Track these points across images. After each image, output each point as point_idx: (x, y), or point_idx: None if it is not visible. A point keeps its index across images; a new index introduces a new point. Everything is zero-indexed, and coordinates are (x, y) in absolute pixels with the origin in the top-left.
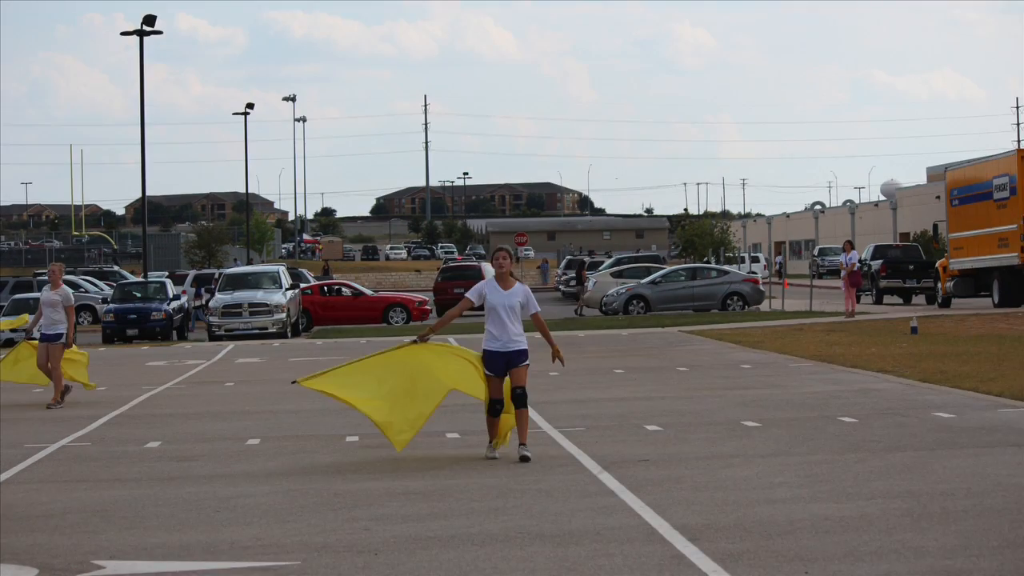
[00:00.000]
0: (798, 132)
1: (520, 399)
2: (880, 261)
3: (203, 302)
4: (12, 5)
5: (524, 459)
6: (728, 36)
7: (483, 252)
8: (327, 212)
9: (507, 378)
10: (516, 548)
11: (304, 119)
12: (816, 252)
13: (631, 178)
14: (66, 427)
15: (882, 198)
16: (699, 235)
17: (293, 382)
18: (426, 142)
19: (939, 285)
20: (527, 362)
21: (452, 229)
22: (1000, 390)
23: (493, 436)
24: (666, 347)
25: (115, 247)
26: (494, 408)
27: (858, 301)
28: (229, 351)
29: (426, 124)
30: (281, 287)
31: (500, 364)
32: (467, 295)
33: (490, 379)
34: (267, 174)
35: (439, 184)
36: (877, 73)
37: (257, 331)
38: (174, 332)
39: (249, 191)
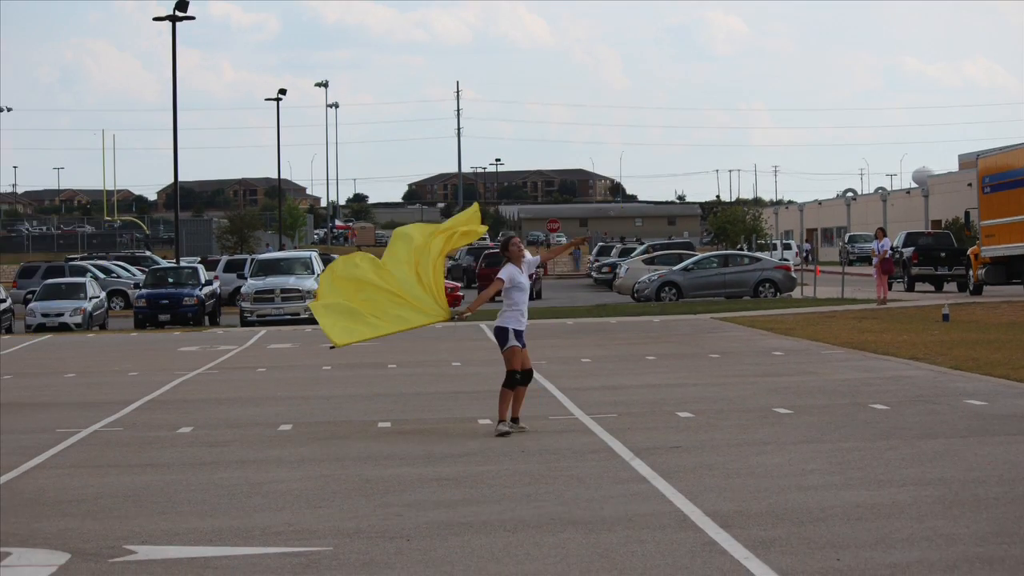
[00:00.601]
0: (830, 119)
1: (530, 378)
2: (912, 248)
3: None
4: None
5: (507, 433)
6: (761, 23)
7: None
8: (359, 198)
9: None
10: (548, 534)
11: (336, 105)
12: (846, 239)
13: (663, 165)
14: (98, 412)
15: (914, 185)
16: (731, 222)
17: (331, 347)
18: (458, 128)
19: (971, 272)
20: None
21: (484, 215)
22: None
23: (507, 409)
24: (698, 334)
25: (147, 232)
26: (515, 380)
27: (890, 288)
28: (261, 337)
29: (458, 110)
30: (313, 273)
31: (507, 341)
32: (500, 276)
33: (517, 352)
34: (299, 160)
35: (471, 170)
36: (909, 60)
37: (289, 317)
38: (206, 317)
39: (281, 177)
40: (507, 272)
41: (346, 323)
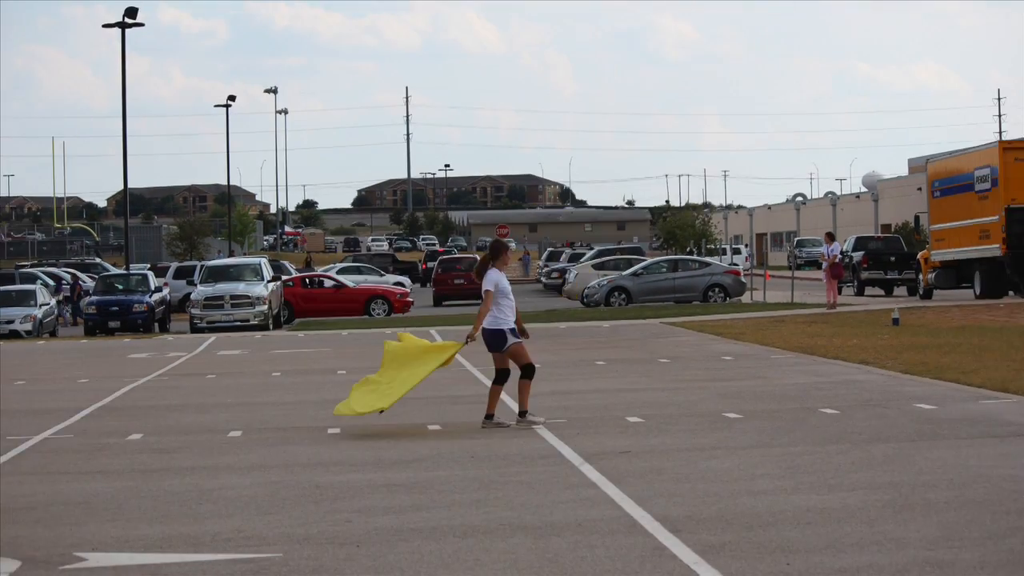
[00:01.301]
0: (780, 124)
1: (533, 371)
2: (862, 253)
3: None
4: None
5: (518, 422)
6: (711, 28)
7: (464, 244)
8: (309, 204)
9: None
10: (498, 540)
11: (286, 111)
12: (794, 243)
13: (613, 170)
14: (48, 419)
15: (864, 190)
16: (680, 227)
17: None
18: (407, 134)
19: (920, 277)
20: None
21: (434, 221)
22: (981, 381)
23: (495, 406)
24: (648, 339)
25: (97, 239)
26: (504, 377)
27: (840, 293)
28: (211, 343)
29: (407, 116)
30: (263, 279)
31: (504, 342)
32: (489, 289)
33: (503, 353)
34: (249, 166)
35: (421, 176)
36: (859, 65)
37: (239, 323)
38: (156, 324)
39: (231, 183)
40: (492, 282)
41: (373, 393)
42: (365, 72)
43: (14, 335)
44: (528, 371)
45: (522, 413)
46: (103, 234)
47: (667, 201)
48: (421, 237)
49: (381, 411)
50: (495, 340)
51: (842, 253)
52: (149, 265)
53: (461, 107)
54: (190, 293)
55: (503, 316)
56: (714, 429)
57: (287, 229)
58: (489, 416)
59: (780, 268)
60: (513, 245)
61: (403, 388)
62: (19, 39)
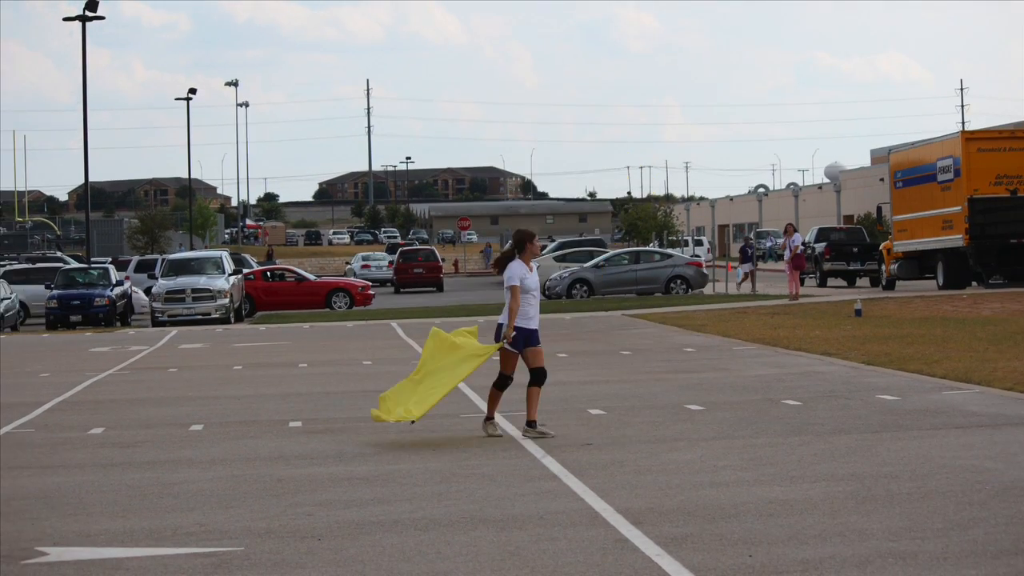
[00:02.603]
0: (742, 115)
1: (543, 378)
2: (824, 244)
3: None
4: None
5: (527, 433)
6: (672, 19)
7: (426, 236)
8: (270, 197)
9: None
10: (459, 533)
11: (247, 104)
12: (752, 235)
13: (574, 162)
14: (9, 413)
15: (826, 181)
16: (642, 219)
17: (413, 421)
18: (368, 126)
19: (883, 267)
20: (540, 343)
21: (395, 214)
22: (944, 372)
23: (494, 410)
24: (609, 331)
25: (58, 233)
26: (504, 383)
27: (802, 284)
28: (172, 337)
29: (368, 108)
30: (224, 272)
31: (520, 341)
32: (514, 283)
33: (510, 355)
34: (210, 159)
35: (382, 169)
36: (822, 55)
37: (200, 317)
38: (117, 318)
39: (192, 176)
40: (517, 276)
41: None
42: (327, 64)
43: None
44: (538, 376)
45: (530, 423)
46: (64, 228)
47: (629, 193)
48: (383, 230)
49: (413, 422)
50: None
51: (804, 244)
52: (110, 259)
53: (423, 99)
54: (151, 287)
55: (521, 313)
56: (676, 421)
57: (248, 222)
58: (489, 419)
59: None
60: (474, 238)
61: (437, 394)
62: None
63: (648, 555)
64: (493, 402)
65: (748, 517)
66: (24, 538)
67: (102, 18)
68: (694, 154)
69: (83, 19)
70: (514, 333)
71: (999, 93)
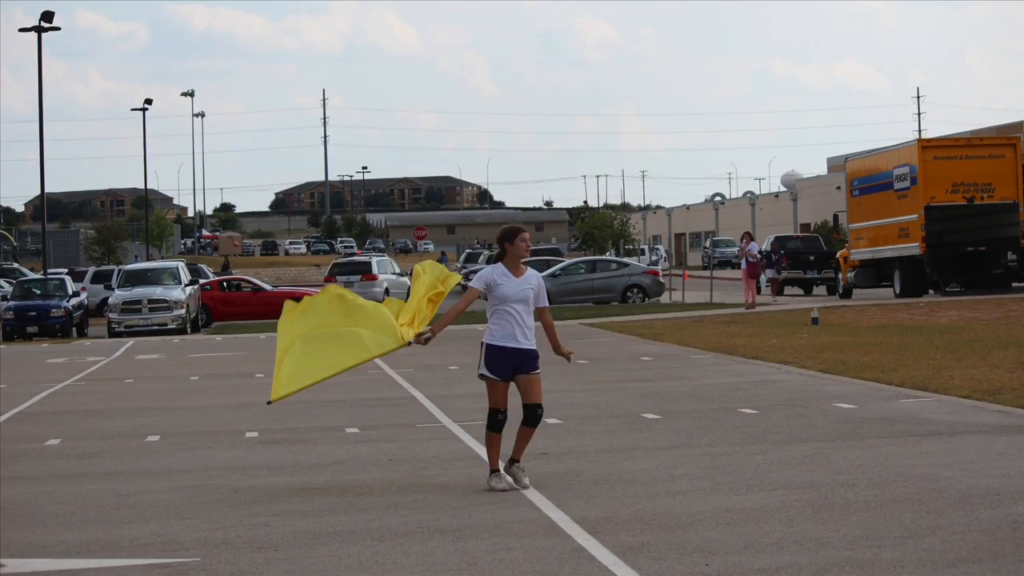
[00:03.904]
0: (699, 123)
1: (536, 418)
2: (780, 252)
3: None
4: None
5: (505, 469)
6: (630, 28)
7: (382, 246)
8: (226, 207)
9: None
10: (416, 543)
11: (203, 114)
12: (708, 243)
13: (531, 171)
14: None
15: (783, 189)
16: (599, 227)
17: (268, 402)
18: (325, 136)
19: (840, 276)
20: (538, 369)
21: (351, 223)
22: (901, 380)
23: (497, 458)
24: (566, 340)
25: (15, 244)
26: (497, 422)
27: (758, 292)
28: (129, 347)
29: (325, 118)
30: (180, 283)
31: (507, 367)
32: (472, 284)
33: (494, 384)
34: (167, 170)
35: (338, 178)
36: (779, 63)
37: (157, 327)
38: (74, 329)
39: (148, 187)
40: (481, 278)
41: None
42: (284, 74)
43: None
44: (531, 416)
45: (512, 461)
46: (21, 239)
47: (585, 202)
48: (339, 240)
49: (269, 403)
50: (487, 362)
51: (760, 252)
52: (67, 270)
53: (380, 109)
54: (108, 297)
55: (500, 329)
56: (633, 430)
57: (204, 233)
58: (494, 472)
59: (699, 268)
60: (431, 247)
61: (311, 377)
62: None
63: (605, 564)
64: (491, 448)
65: (705, 526)
66: None
67: (58, 29)
68: (651, 163)
69: (39, 30)
70: (428, 335)
71: (956, 101)
